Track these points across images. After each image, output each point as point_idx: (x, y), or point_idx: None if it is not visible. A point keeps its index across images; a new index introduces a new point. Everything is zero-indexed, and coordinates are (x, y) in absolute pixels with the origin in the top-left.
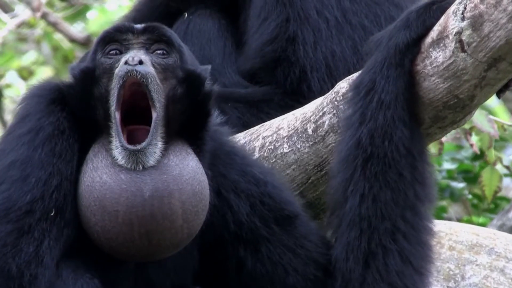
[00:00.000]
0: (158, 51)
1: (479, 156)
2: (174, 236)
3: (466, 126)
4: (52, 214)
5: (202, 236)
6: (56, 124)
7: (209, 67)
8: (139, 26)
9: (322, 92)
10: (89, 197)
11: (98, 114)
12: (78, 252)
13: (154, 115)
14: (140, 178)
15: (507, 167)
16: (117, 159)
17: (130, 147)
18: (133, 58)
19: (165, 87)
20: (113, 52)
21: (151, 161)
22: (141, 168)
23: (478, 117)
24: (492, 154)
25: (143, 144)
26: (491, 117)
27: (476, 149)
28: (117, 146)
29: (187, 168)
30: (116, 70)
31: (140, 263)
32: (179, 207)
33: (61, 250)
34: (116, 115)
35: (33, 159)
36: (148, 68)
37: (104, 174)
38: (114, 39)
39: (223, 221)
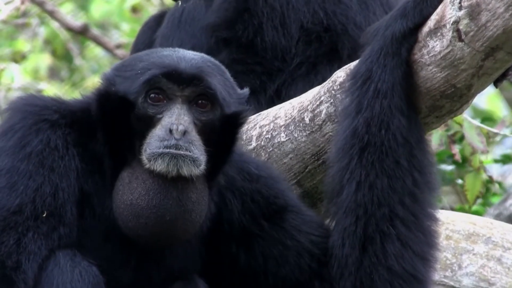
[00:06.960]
0: (201, 108)
1: (462, 164)
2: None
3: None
4: (44, 215)
5: (201, 230)
6: (46, 141)
7: (247, 92)
8: (185, 76)
9: (274, 44)
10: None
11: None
12: (81, 247)
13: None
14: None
15: (490, 177)
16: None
17: None
18: (177, 128)
19: (203, 137)
20: (156, 98)
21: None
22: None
23: (467, 130)
24: (476, 160)
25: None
26: (480, 124)
27: (458, 157)
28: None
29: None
30: (159, 132)
31: (141, 258)
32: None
33: (54, 242)
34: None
35: (18, 169)
36: (191, 147)
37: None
38: (159, 86)
39: (219, 218)
